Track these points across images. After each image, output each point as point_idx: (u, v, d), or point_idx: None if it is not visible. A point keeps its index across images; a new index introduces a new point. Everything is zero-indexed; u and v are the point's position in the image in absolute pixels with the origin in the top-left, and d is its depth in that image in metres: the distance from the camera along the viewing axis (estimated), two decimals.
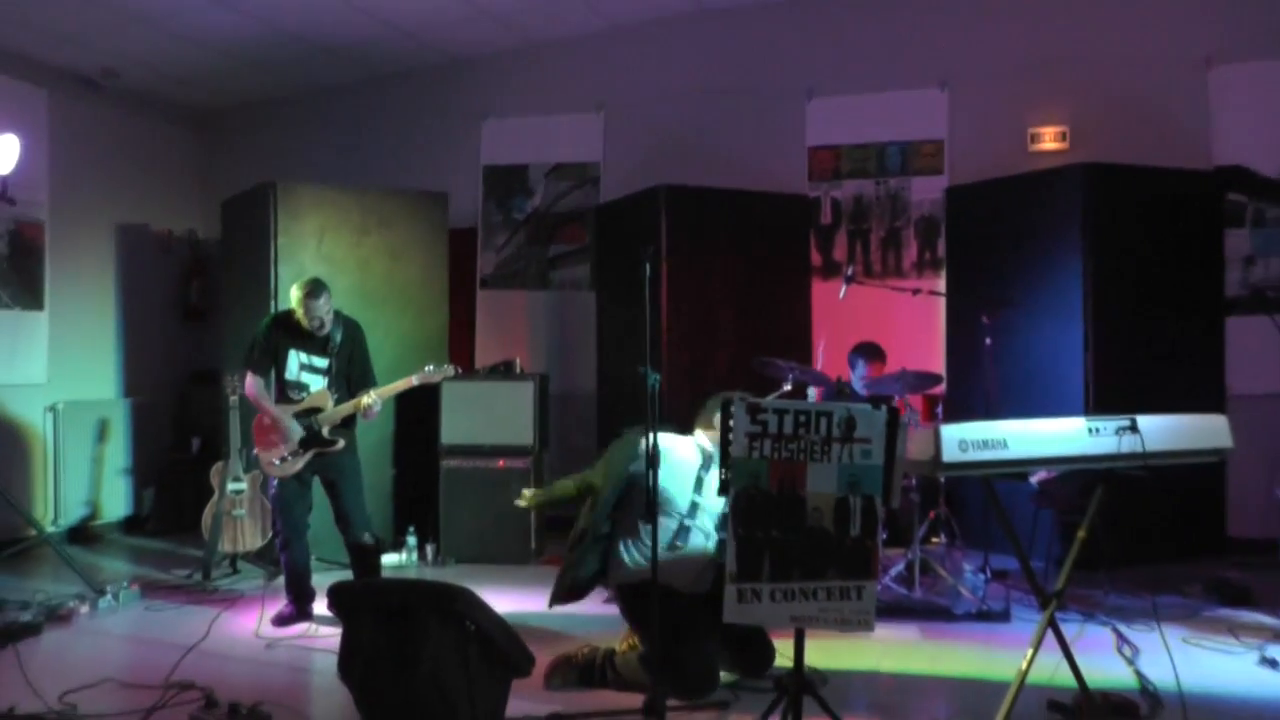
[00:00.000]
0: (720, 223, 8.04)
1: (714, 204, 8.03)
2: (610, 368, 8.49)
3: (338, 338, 5.94)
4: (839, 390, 6.46)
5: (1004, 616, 5.68)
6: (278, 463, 5.79)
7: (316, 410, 5.83)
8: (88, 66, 8.64)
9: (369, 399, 5.79)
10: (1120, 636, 5.16)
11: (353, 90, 9.70)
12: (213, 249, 9.57)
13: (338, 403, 5.86)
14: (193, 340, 9.89)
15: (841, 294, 6.91)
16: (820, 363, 7.15)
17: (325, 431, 5.82)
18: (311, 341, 5.90)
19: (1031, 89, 8.03)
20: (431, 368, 6.02)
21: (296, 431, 5.78)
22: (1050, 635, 3.99)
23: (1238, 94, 7.55)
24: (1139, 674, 4.57)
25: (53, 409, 8.39)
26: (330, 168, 9.40)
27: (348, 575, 6.06)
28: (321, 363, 5.93)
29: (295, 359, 5.89)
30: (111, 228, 9.17)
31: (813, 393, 6.66)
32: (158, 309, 9.63)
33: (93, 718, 4.17)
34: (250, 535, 7.03)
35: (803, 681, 3.68)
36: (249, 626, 5.72)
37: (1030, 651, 3.97)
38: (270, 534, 7.02)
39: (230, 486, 7.00)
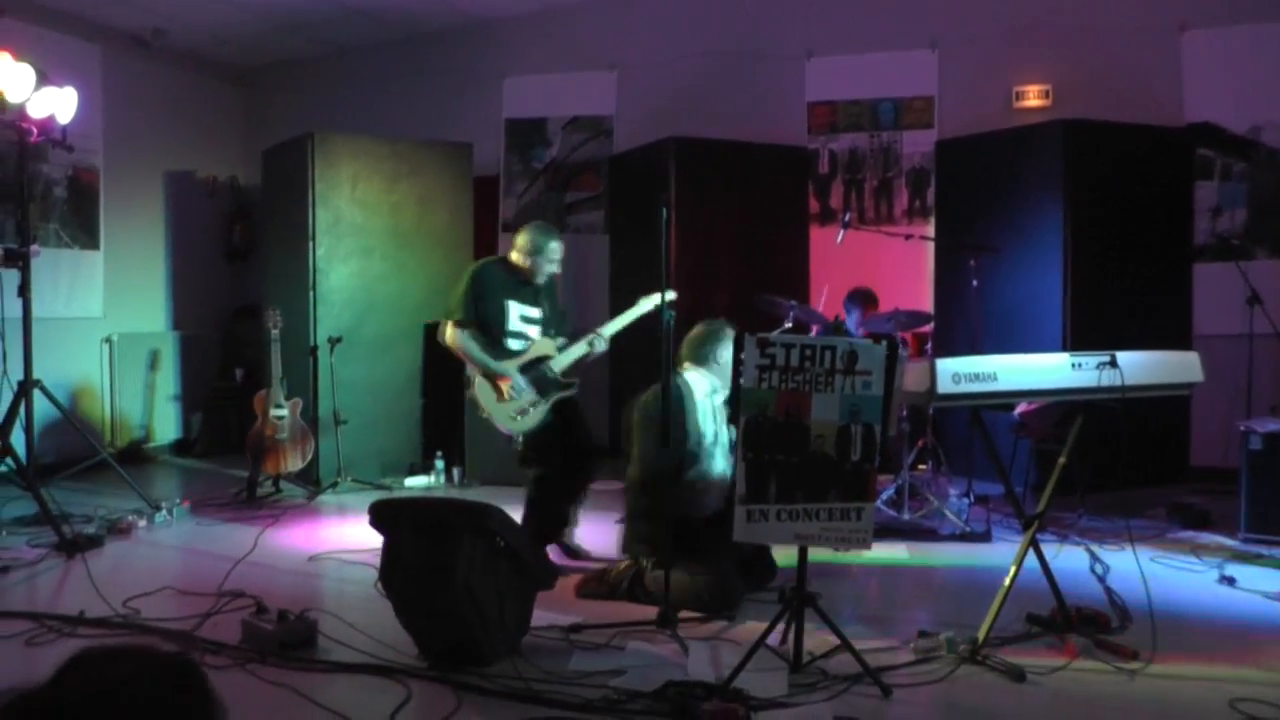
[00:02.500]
0: (725, 172, 7.97)
1: (719, 155, 7.96)
2: (622, 306, 8.38)
3: (540, 285, 5.46)
4: (836, 329, 6.43)
5: (985, 537, 5.67)
6: (517, 418, 5.15)
7: (545, 358, 5.28)
8: (138, 26, 8.51)
9: (600, 342, 5.39)
10: (1093, 556, 5.16)
11: (385, 50, 9.55)
12: (254, 194, 9.49)
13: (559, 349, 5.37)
14: (236, 278, 9.85)
15: (839, 239, 6.86)
16: (822, 307, 7.11)
17: (560, 377, 5.31)
18: (523, 291, 5.35)
19: (1016, 50, 7.90)
20: (644, 300, 5.57)
21: (525, 386, 5.19)
22: (1030, 553, 3.98)
23: (1208, 56, 7.43)
24: (1110, 590, 4.57)
25: (109, 341, 8.36)
26: (363, 121, 9.26)
27: (383, 495, 6.05)
28: (535, 312, 5.37)
29: (515, 310, 5.30)
30: (160, 174, 9.10)
31: (812, 330, 6.63)
32: (203, 249, 9.57)
33: (155, 621, 4.18)
34: (291, 458, 7.02)
35: (805, 595, 3.67)
36: (292, 540, 5.74)
37: (1014, 568, 3.95)
38: (308, 457, 7.04)
39: (272, 413, 6.99)
